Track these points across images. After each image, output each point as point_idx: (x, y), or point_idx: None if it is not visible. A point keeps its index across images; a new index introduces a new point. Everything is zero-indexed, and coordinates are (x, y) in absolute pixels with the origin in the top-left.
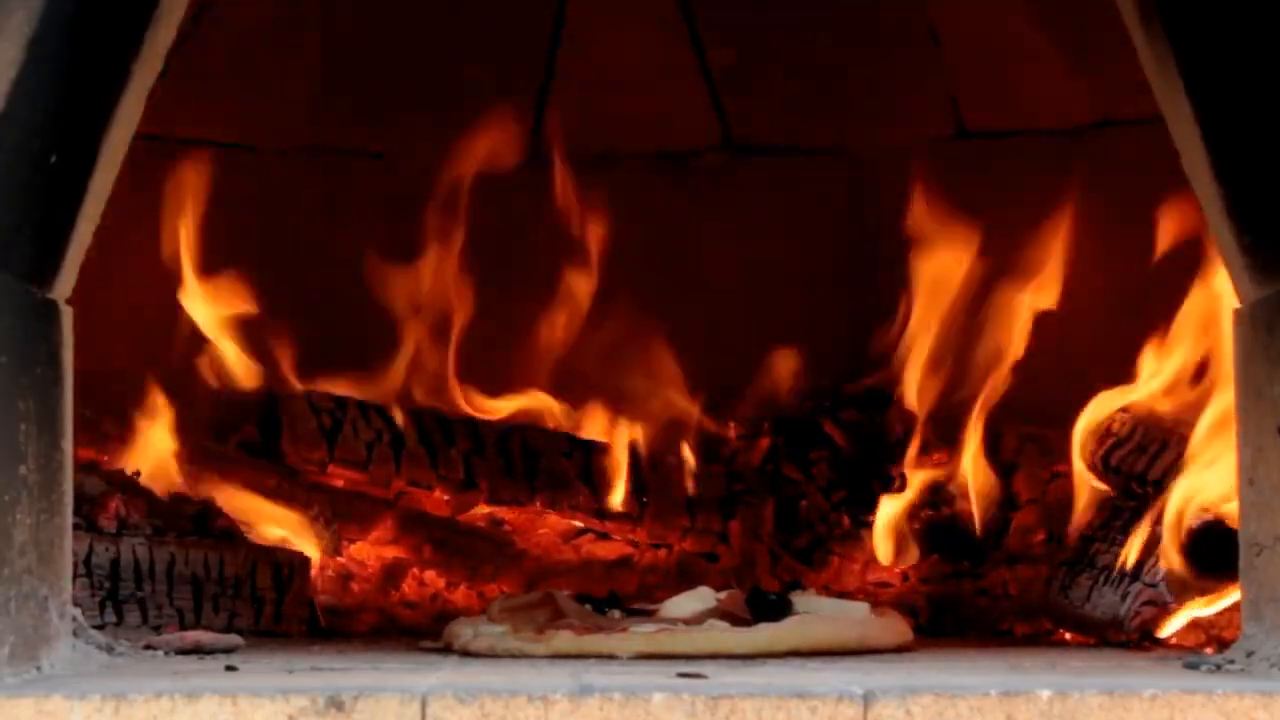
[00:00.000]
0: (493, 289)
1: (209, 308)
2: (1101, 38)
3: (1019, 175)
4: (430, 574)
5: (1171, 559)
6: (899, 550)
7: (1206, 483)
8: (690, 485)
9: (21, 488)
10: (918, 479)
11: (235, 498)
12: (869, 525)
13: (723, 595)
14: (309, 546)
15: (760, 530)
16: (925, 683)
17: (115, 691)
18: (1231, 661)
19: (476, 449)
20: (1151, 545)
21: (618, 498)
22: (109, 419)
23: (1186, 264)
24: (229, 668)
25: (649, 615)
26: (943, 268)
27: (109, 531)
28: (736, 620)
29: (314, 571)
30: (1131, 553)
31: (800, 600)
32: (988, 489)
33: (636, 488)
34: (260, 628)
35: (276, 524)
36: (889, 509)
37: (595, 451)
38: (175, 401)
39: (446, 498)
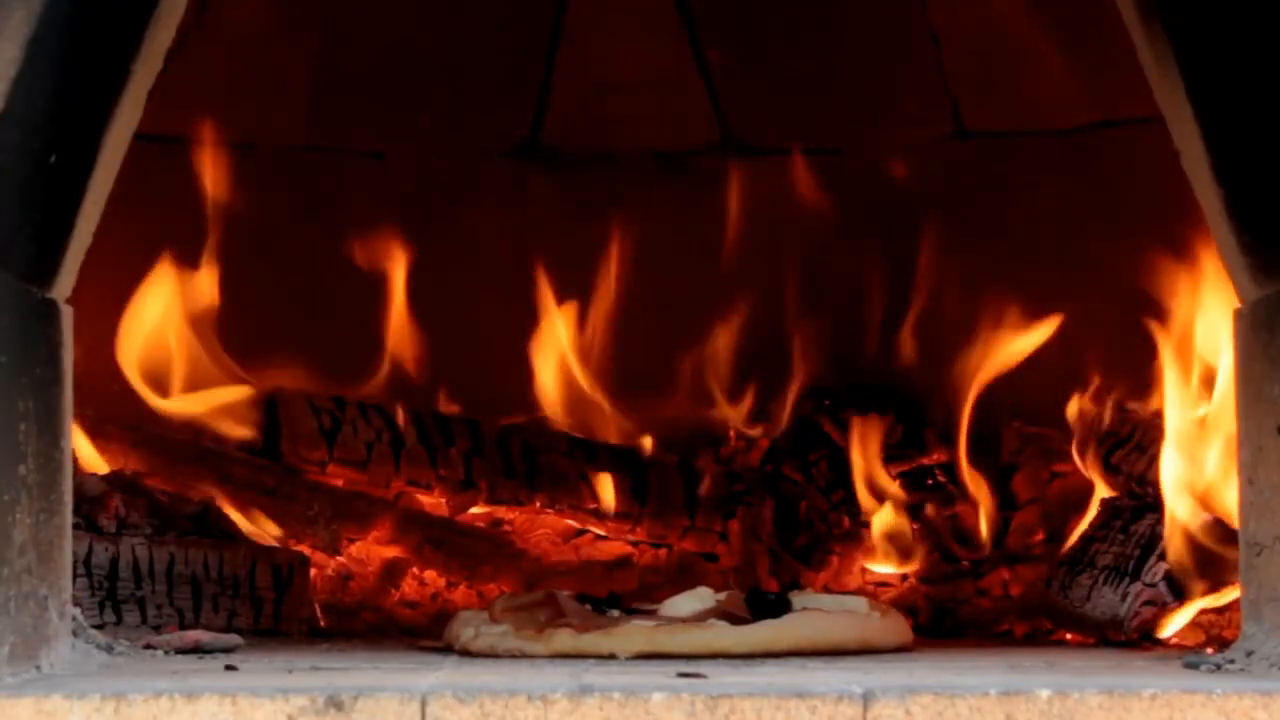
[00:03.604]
0: (492, 288)
1: (204, 309)
2: (1101, 38)
3: (1019, 175)
4: (430, 574)
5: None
6: (903, 557)
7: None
8: (704, 489)
9: (21, 488)
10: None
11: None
12: (869, 525)
13: (722, 595)
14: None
15: (760, 530)
16: (925, 683)
17: (115, 691)
18: (1231, 661)
19: (476, 449)
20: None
21: (613, 497)
22: None
23: (1187, 264)
24: (229, 667)
25: (649, 615)
26: (945, 268)
27: (109, 531)
28: (736, 620)
29: (313, 571)
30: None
31: (800, 599)
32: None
33: (636, 488)
34: (260, 628)
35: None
36: (887, 516)
37: (595, 451)
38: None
39: (446, 497)
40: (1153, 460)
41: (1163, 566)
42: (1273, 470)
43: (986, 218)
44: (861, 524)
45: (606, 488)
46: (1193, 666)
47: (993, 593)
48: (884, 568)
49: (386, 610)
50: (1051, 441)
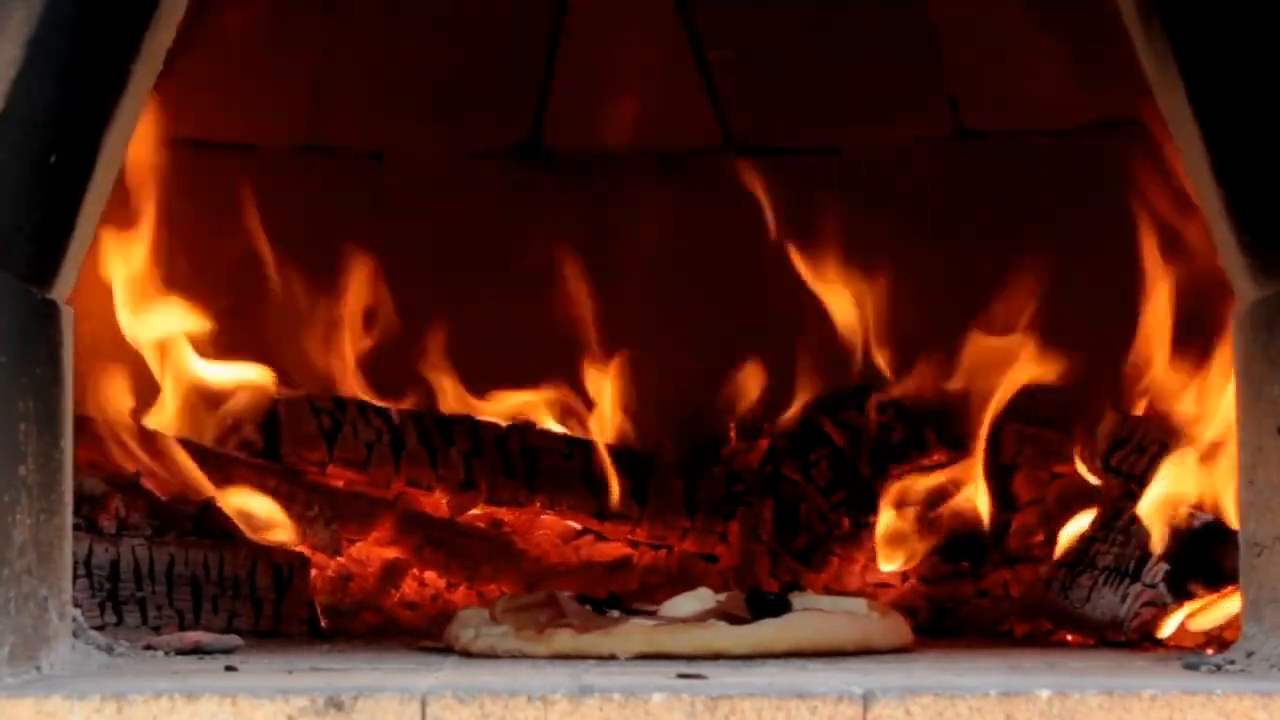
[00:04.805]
0: (492, 289)
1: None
2: (1101, 38)
3: (1019, 175)
4: (430, 574)
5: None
6: (905, 556)
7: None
8: (704, 490)
9: (21, 488)
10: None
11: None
12: (869, 525)
13: (722, 596)
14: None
15: (760, 531)
16: (925, 683)
17: (115, 691)
18: (1231, 662)
19: (476, 449)
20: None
21: (616, 498)
22: None
23: (1187, 264)
24: (229, 668)
25: (649, 616)
26: (944, 268)
27: (109, 532)
28: (736, 620)
29: (313, 572)
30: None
31: (799, 600)
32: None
33: (636, 488)
34: (260, 628)
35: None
36: (889, 516)
37: (595, 452)
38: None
39: (446, 498)
40: (1153, 460)
41: (1162, 567)
42: (1273, 470)
43: (986, 218)
44: (862, 524)
45: (612, 484)
46: (1193, 667)
47: (993, 593)
48: (890, 566)
49: (387, 611)
50: (1051, 442)
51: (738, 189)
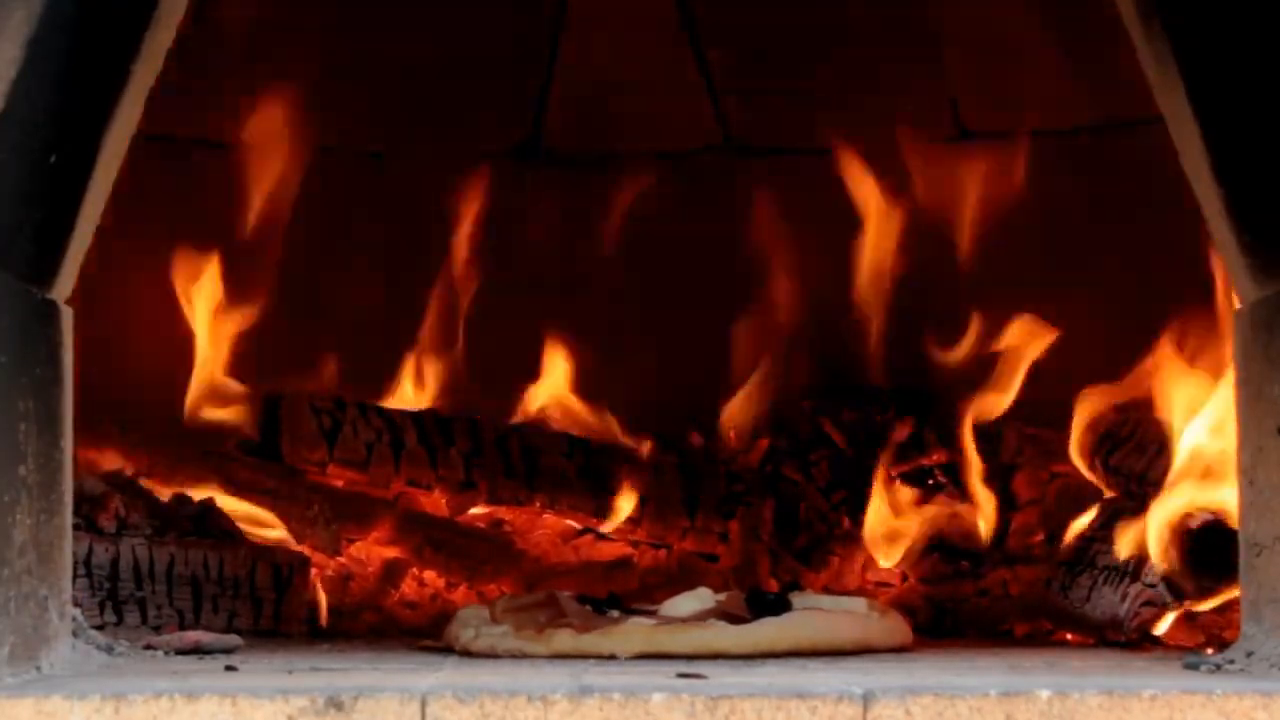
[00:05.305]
0: (493, 289)
1: (205, 310)
2: (1101, 37)
3: (1019, 175)
4: (430, 574)
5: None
6: (901, 555)
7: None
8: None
9: (21, 488)
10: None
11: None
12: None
13: (722, 596)
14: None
15: (760, 530)
16: (925, 683)
17: (115, 691)
18: (1231, 661)
19: (476, 449)
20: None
21: (619, 500)
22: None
23: (1186, 264)
24: (229, 668)
25: (649, 616)
26: (944, 268)
27: (109, 532)
28: (736, 620)
29: (313, 571)
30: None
31: (799, 599)
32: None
33: (636, 488)
34: (260, 628)
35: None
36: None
37: (595, 452)
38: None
39: (446, 498)
40: (1152, 460)
41: (1163, 567)
42: (1273, 470)
43: (987, 218)
44: (862, 524)
45: (627, 501)
46: (1193, 667)
47: (993, 593)
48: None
49: (387, 611)
50: (1051, 442)
51: (738, 189)
